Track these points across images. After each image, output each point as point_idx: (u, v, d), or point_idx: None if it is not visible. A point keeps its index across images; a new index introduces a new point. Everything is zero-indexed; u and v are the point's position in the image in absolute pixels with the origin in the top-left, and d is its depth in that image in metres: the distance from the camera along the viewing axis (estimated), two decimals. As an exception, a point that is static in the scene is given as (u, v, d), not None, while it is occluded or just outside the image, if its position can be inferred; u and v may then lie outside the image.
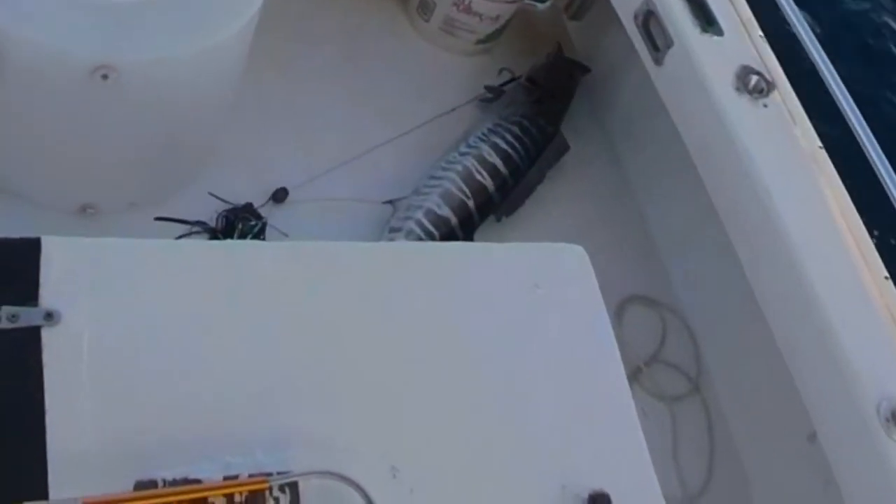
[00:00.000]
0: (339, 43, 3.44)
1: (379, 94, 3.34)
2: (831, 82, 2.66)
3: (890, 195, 2.48)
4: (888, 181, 2.50)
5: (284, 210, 2.93)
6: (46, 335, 1.48)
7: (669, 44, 2.75)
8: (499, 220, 3.10)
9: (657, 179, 3.31)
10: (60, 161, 2.57)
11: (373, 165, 3.12)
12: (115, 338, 1.53)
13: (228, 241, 2.67)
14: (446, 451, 1.59)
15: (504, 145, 3.17)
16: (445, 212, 2.99)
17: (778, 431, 2.73)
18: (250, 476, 1.40)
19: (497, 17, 3.50)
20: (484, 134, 3.19)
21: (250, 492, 1.38)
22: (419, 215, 2.96)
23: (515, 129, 3.22)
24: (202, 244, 2.49)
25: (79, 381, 1.46)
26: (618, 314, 3.02)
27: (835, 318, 2.28)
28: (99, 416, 1.45)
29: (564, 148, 3.30)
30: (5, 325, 1.46)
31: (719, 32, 2.71)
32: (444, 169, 3.10)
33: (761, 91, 2.60)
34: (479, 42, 3.58)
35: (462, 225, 3.01)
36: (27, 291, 1.50)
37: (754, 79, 2.61)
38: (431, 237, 2.93)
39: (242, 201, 2.86)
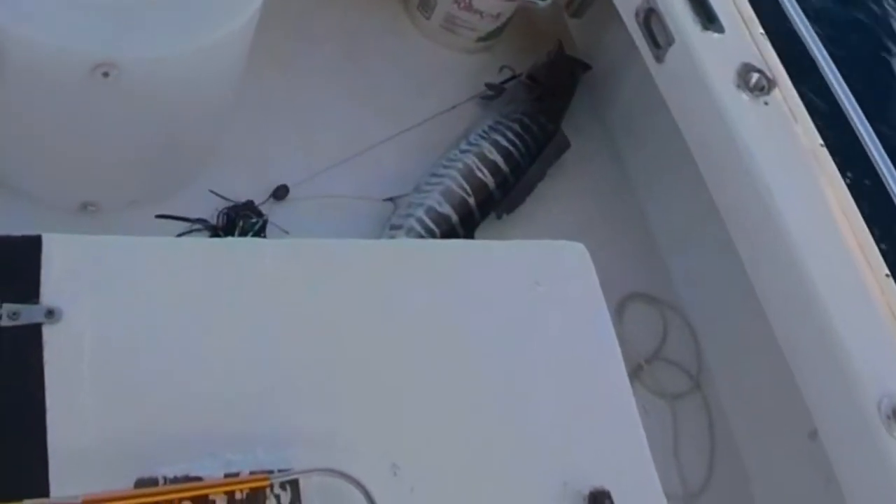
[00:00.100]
0: (339, 40, 3.44)
1: (380, 92, 3.35)
2: (832, 80, 2.66)
3: (891, 193, 2.48)
4: (889, 179, 2.50)
5: (285, 207, 2.94)
6: (47, 333, 1.48)
7: (670, 41, 2.75)
8: (499, 217, 3.10)
9: (658, 177, 3.31)
10: (61, 159, 2.57)
11: (374, 163, 3.12)
12: (115, 335, 1.53)
13: (229, 239, 2.68)
14: (447, 448, 1.59)
15: (505, 143, 3.17)
16: (446, 209, 2.99)
17: (779, 429, 2.73)
18: (251, 473, 1.40)
19: (498, 15, 3.50)
20: (485, 131, 3.20)
21: (251, 489, 1.38)
22: (420, 213, 2.96)
23: (516, 127, 3.22)
24: (203, 242, 2.50)
25: (80, 378, 1.46)
26: (619, 311, 3.03)
27: (835, 315, 2.28)
28: (100, 413, 1.45)
29: (565, 145, 3.30)
30: (6, 322, 1.46)
31: (720, 30, 2.71)
32: (445, 166, 3.10)
33: (762, 88, 2.60)
34: (480, 39, 3.58)
35: (463, 222, 3.01)
36: (28, 289, 1.51)
37: (755, 76, 2.61)
38: (432, 235, 2.93)
39: (243, 199, 2.86)
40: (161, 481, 1.37)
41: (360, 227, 2.98)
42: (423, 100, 3.35)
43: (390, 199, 3.04)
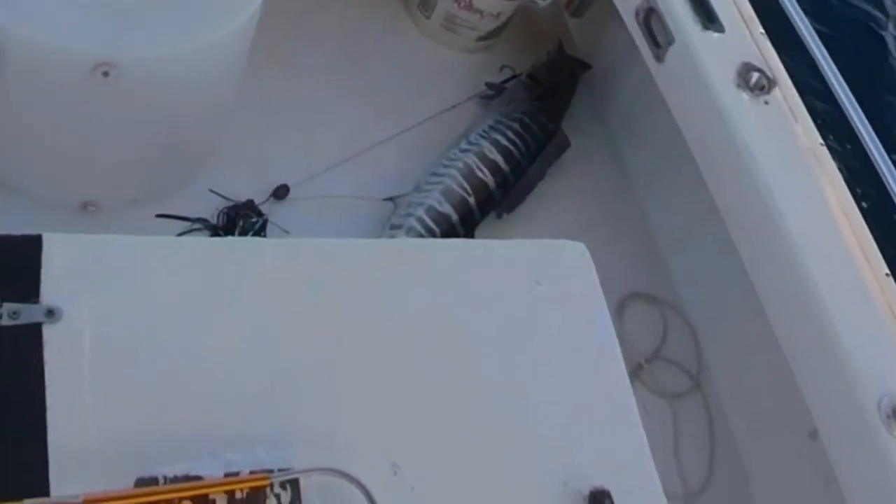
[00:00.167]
0: (340, 40, 3.44)
1: (380, 91, 3.35)
2: (832, 79, 2.66)
3: (891, 192, 2.48)
4: (889, 178, 2.50)
5: (285, 207, 2.94)
6: (48, 332, 1.48)
7: (671, 41, 2.74)
8: (500, 216, 3.10)
9: (658, 176, 3.31)
10: (61, 158, 2.57)
11: (374, 162, 3.12)
12: (116, 335, 1.53)
13: (229, 238, 2.68)
14: (447, 447, 1.59)
15: (505, 142, 3.17)
16: (446, 208, 2.99)
17: (779, 428, 2.74)
18: (251, 473, 1.40)
19: (498, 14, 3.50)
20: (485, 131, 3.20)
21: (251, 489, 1.38)
22: (420, 212, 2.96)
23: (516, 126, 3.22)
24: (203, 241, 2.50)
25: (80, 377, 1.46)
26: (619, 311, 3.03)
27: (836, 315, 2.28)
28: (100, 412, 1.45)
29: (565, 145, 3.30)
30: (6, 322, 1.46)
31: (720, 29, 2.70)
32: (445, 166, 3.10)
33: (762, 88, 2.60)
34: (480, 39, 3.58)
35: (463, 222, 3.01)
36: (28, 288, 1.51)
37: (755, 76, 2.61)
38: (432, 234, 2.93)
39: (243, 198, 2.86)
40: (161, 480, 1.37)
41: (361, 227, 2.98)
42: (424, 99, 3.35)
43: (390, 199, 3.04)
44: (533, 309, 1.80)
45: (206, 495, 1.37)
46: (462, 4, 3.45)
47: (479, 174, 3.08)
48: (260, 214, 2.83)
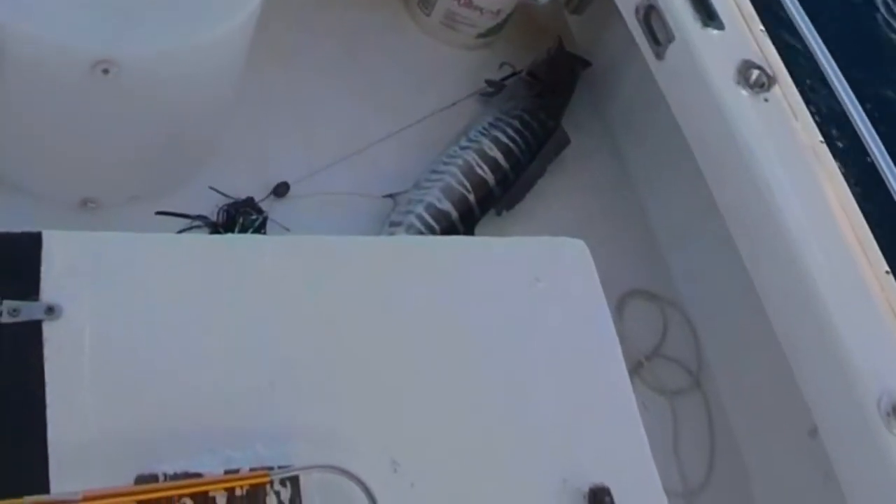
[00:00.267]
0: (340, 37, 3.44)
1: (380, 89, 3.34)
2: (832, 77, 2.66)
3: (891, 189, 2.48)
4: (889, 175, 2.50)
5: (285, 204, 2.94)
6: (47, 329, 1.48)
7: (670, 38, 2.74)
8: (499, 214, 3.10)
9: (658, 173, 3.31)
10: (61, 155, 2.57)
11: (374, 159, 3.12)
12: (116, 332, 1.53)
13: (229, 236, 2.68)
14: (447, 444, 1.59)
15: (505, 139, 3.17)
16: (446, 206, 2.99)
17: (778, 426, 2.74)
18: (251, 470, 1.40)
19: (498, 12, 3.49)
20: (485, 128, 3.20)
21: (251, 486, 1.39)
22: (420, 209, 2.96)
23: (516, 123, 3.22)
24: (203, 238, 2.50)
25: (80, 375, 1.46)
26: (618, 308, 3.03)
27: (835, 312, 2.28)
28: (100, 410, 1.45)
29: (565, 142, 3.30)
30: (6, 319, 1.46)
31: (720, 27, 2.70)
32: (445, 163, 3.10)
33: (762, 85, 2.60)
34: (480, 36, 3.58)
35: (463, 219, 3.01)
36: (28, 286, 1.51)
37: (755, 73, 2.61)
38: (432, 231, 2.93)
39: (243, 195, 2.85)
40: (161, 478, 1.37)
41: (360, 224, 2.98)
42: (423, 96, 3.35)
43: (390, 196, 3.04)
44: (533, 306, 1.80)
45: (206, 492, 1.37)
46: (462, 2, 3.45)
47: (479, 171, 3.08)
48: (260, 212, 2.83)
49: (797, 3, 2.80)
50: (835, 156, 2.56)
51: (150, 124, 2.52)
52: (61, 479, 1.35)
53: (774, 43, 2.74)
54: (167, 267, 1.64)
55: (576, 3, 3.62)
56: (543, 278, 1.82)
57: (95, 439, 1.42)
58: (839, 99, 2.63)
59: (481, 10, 3.46)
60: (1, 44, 2.20)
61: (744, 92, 2.59)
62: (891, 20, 5.90)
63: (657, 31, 2.81)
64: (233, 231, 2.77)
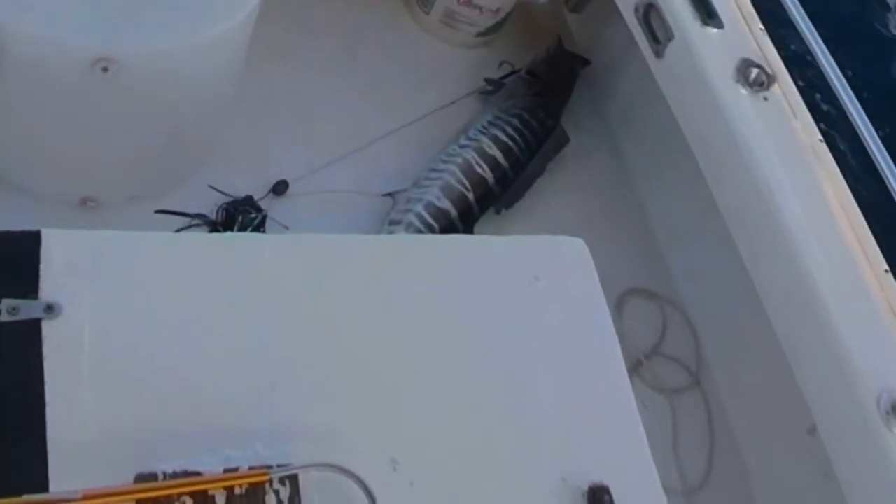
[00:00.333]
0: (339, 35, 3.44)
1: (379, 87, 3.34)
2: (832, 75, 2.66)
3: (890, 188, 2.48)
4: (888, 174, 2.49)
5: (285, 202, 2.94)
6: (47, 328, 1.48)
7: (670, 37, 2.74)
8: (499, 212, 3.10)
9: (657, 172, 3.31)
10: (61, 154, 2.57)
11: (373, 158, 3.12)
12: (115, 331, 1.53)
13: (228, 234, 2.67)
14: (446, 443, 1.59)
15: (504, 138, 3.17)
16: (445, 204, 2.99)
17: (778, 425, 2.74)
18: (250, 469, 1.40)
19: (497, 10, 3.49)
20: (484, 126, 3.20)
21: (250, 484, 1.39)
22: (419, 208, 2.96)
23: (515, 122, 3.22)
24: (202, 237, 2.50)
25: (79, 373, 1.46)
26: (618, 307, 3.03)
27: (835, 311, 2.28)
28: (99, 408, 1.45)
29: (564, 140, 3.30)
30: (5, 317, 1.46)
31: (720, 25, 2.70)
32: (444, 161, 3.10)
33: (762, 84, 2.60)
34: (480, 35, 3.58)
35: (462, 217, 3.01)
36: (27, 284, 1.51)
37: (755, 72, 2.61)
38: (431, 230, 2.93)
39: (243, 194, 2.85)
40: (160, 476, 1.37)
41: (360, 223, 2.98)
42: (423, 95, 3.35)
43: (389, 195, 3.04)
44: (532, 305, 1.80)
45: (206, 491, 1.37)
46: (461, 0, 3.45)
47: (478, 170, 3.08)
48: (259, 210, 2.83)
49: (796, 2, 2.80)
50: (834, 155, 2.56)
51: (150, 123, 2.52)
52: (60, 478, 1.35)
53: (774, 42, 2.74)
54: (166, 266, 1.64)
55: (575, 2, 3.62)
56: (543, 277, 1.82)
57: (95, 438, 1.42)
58: (838, 98, 2.63)
59: (481, 8, 3.46)
60: (0, 42, 2.20)
61: (743, 91, 2.59)
62: (890, 19, 5.89)
63: (656, 30, 2.81)
64: (232, 229, 2.77)
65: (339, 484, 1.39)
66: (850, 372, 2.22)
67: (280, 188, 2.94)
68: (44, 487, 1.33)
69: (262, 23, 2.55)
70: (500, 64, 3.56)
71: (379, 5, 3.60)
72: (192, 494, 1.36)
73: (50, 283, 1.52)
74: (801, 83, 2.69)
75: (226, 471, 1.40)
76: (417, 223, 2.93)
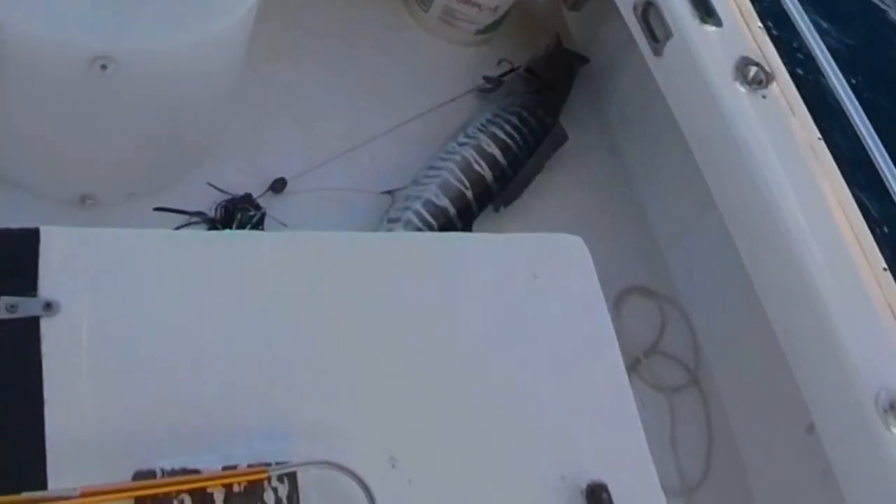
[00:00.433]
0: (338, 33, 3.44)
1: (378, 85, 3.34)
2: (830, 73, 2.66)
3: (888, 186, 2.48)
4: (887, 172, 2.50)
5: (283, 200, 2.93)
6: (45, 325, 1.48)
7: (669, 35, 2.74)
8: (497, 210, 3.10)
9: (656, 170, 3.31)
10: (59, 152, 2.57)
11: (371, 156, 3.12)
12: (113, 328, 1.53)
13: (227, 232, 2.67)
14: (445, 441, 1.59)
15: (503, 136, 3.17)
16: (444, 202, 2.99)
17: (776, 423, 2.74)
18: (249, 466, 1.40)
19: (496, 8, 3.49)
20: (483, 124, 3.19)
21: (249, 482, 1.39)
22: (417, 205, 2.96)
23: (514, 120, 3.22)
24: (201, 234, 2.50)
25: (78, 371, 1.46)
26: (616, 305, 3.02)
27: (833, 309, 2.29)
28: (97, 405, 1.45)
29: (563, 138, 3.30)
30: (4, 315, 1.46)
31: (718, 23, 2.70)
32: (443, 159, 3.10)
33: (760, 82, 2.60)
34: (479, 32, 3.58)
35: (460, 215, 3.01)
36: (26, 282, 1.51)
37: (753, 70, 2.61)
38: (430, 227, 2.93)
39: (241, 191, 2.85)
40: (159, 474, 1.37)
41: (358, 220, 2.98)
42: (421, 92, 3.35)
43: (388, 192, 3.04)
44: (530, 303, 1.80)
45: (204, 488, 1.37)
46: (460, -2, 3.46)
47: (477, 168, 3.08)
48: (258, 208, 2.83)
49: (795, 1, 2.80)
50: (832, 153, 2.56)
51: (149, 120, 2.52)
52: (59, 475, 1.35)
53: (772, 40, 2.74)
54: (165, 263, 1.64)
55: (574, 0, 3.62)
56: (541, 275, 1.82)
57: (93, 435, 1.42)
58: (837, 96, 2.63)
59: (479, 6, 3.46)
60: (-1, 39, 2.21)
61: (742, 89, 2.60)
62: (889, 15, 5.90)
63: (655, 28, 2.81)
64: (231, 227, 2.77)
65: (338, 481, 1.39)
66: (849, 370, 2.22)
67: (279, 186, 2.94)
68: (42, 485, 1.33)
69: (261, 21, 2.55)
70: (499, 62, 3.56)
71: (378, 3, 3.60)
72: (190, 492, 1.36)
73: (49, 281, 1.52)
74: (799, 81, 2.69)
75: (224, 468, 1.40)
76: (416, 221, 2.93)
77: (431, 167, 3.09)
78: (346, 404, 1.57)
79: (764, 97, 2.59)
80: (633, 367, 2.92)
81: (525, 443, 1.64)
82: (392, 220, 2.95)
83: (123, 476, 1.36)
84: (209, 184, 2.83)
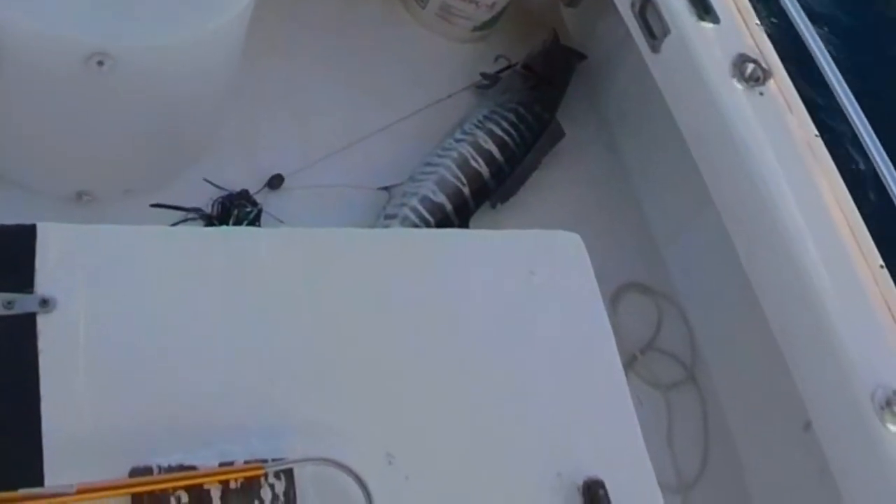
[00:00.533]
0: (335, 30, 3.43)
1: (375, 81, 3.34)
2: (827, 70, 2.66)
3: (885, 183, 2.48)
4: (884, 169, 2.50)
5: (280, 196, 2.93)
6: (42, 322, 1.48)
7: (666, 32, 2.74)
8: (494, 206, 3.10)
9: (653, 167, 3.31)
10: (56, 148, 2.56)
11: (368, 152, 3.12)
12: (110, 325, 1.53)
13: (224, 228, 2.67)
14: (442, 438, 1.59)
15: (500, 132, 3.17)
16: (441, 198, 2.99)
17: (773, 419, 2.74)
18: (246, 463, 1.40)
19: (493, 5, 3.49)
20: (480, 121, 3.19)
21: (246, 478, 1.39)
22: (414, 202, 2.96)
23: (511, 116, 3.22)
24: (198, 231, 2.50)
25: (74, 367, 1.46)
26: (613, 301, 3.02)
27: (830, 306, 2.29)
28: (94, 402, 1.45)
29: (560, 135, 3.30)
30: (0, 311, 1.46)
31: (716, 20, 2.70)
32: (440, 156, 3.10)
33: (758, 79, 2.60)
34: (476, 29, 3.58)
35: (457, 211, 3.01)
36: (23, 278, 1.50)
37: (751, 67, 2.61)
38: (427, 224, 2.93)
39: (238, 188, 2.85)
40: (156, 470, 1.37)
41: (355, 217, 2.98)
42: (419, 89, 3.35)
43: (385, 189, 3.04)
44: (527, 299, 1.80)
45: (201, 485, 1.37)
46: (457, -5, 3.45)
47: (474, 164, 3.08)
48: (254, 204, 2.83)
49: (793, -3, 2.80)
50: (830, 150, 2.57)
51: (145, 117, 2.52)
52: (55, 472, 1.35)
53: (770, 37, 2.74)
54: (162, 260, 1.64)
55: (571, -4, 3.63)
56: (538, 271, 1.82)
57: (90, 432, 1.42)
58: (834, 93, 2.63)
59: (476, 2, 3.46)
60: (-3, 36, 2.21)
61: (739, 86, 2.60)
62: (887, 14, 5.90)
63: (653, 25, 2.81)
64: (227, 223, 2.76)
65: (335, 478, 1.39)
66: (846, 367, 2.22)
67: (275, 182, 2.94)
68: (39, 481, 1.33)
69: (258, 17, 2.55)
70: (496, 58, 3.56)
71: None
72: (187, 488, 1.36)
73: (45, 278, 1.51)
74: (796, 78, 2.69)
75: (221, 465, 1.40)
76: (413, 217, 2.93)
77: (428, 163, 3.09)
78: (342, 401, 1.57)
79: (761, 94, 2.59)
80: (629, 363, 2.92)
81: (522, 439, 1.64)
82: (389, 217, 2.95)
83: (120, 473, 1.36)
84: (206, 180, 2.83)
